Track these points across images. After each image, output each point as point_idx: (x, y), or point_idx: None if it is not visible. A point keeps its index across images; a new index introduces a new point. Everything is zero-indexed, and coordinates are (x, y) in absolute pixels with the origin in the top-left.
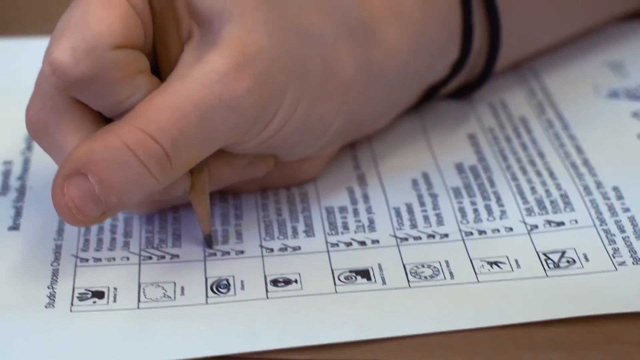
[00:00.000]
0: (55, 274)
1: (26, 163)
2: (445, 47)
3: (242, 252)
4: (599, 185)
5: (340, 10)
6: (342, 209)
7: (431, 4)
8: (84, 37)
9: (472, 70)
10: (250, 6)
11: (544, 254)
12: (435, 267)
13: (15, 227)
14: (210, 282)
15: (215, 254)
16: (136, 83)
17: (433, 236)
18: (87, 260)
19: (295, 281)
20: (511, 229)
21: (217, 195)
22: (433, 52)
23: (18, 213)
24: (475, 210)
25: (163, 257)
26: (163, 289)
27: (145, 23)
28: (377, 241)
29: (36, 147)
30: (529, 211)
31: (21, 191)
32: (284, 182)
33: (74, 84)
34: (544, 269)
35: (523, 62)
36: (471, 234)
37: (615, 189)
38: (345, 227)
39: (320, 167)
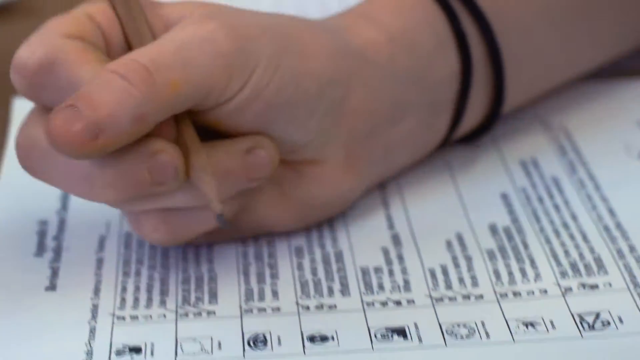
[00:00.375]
0: (92, 331)
1: (62, 223)
2: (437, 51)
3: (278, 309)
4: (632, 249)
5: (307, 19)
6: (377, 269)
7: (406, 12)
8: (38, 34)
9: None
10: (214, 6)
11: (579, 316)
12: (471, 327)
13: (52, 287)
14: (247, 337)
15: (251, 311)
16: (93, 70)
17: (468, 297)
18: (124, 318)
19: (332, 338)
20: (545, 291)
21: (253, 253)
22: (421, 52)
23: (54, 273)
24: (510, 273)
25: (200, 314)
26: (200, 343)
27: (108, 31)
28: (413, 301)
29: (72, 207)
30: (563, 274)
31: (57, 251)
32: (302, 191)
33: (35, 75)
34: (579, 330)
35: (552, 119)
36: (506, 295)
37: None
38: (381, 287)
39: (342, 174)
